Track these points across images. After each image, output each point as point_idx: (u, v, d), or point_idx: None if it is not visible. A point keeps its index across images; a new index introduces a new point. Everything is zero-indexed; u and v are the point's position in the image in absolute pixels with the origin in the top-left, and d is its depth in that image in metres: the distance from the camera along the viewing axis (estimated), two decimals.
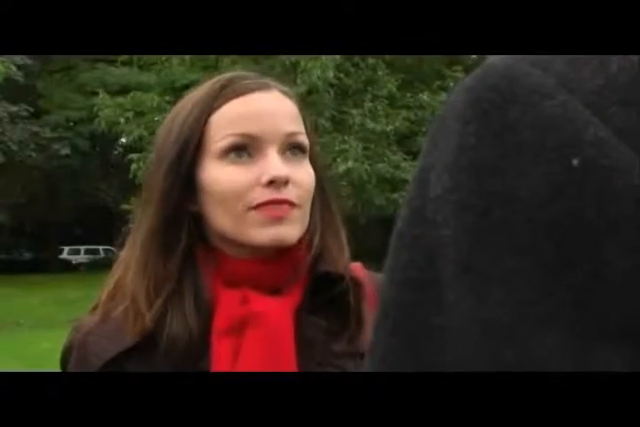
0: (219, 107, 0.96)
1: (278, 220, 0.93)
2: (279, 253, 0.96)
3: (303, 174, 0.97)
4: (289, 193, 0.94)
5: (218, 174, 0.95)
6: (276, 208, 0.93)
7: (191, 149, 0.96)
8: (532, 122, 0.31)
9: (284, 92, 0.99)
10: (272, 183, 0.93)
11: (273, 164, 0.94)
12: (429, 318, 0.33)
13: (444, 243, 0.32)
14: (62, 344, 1.01)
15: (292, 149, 0.97)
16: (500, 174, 0.31)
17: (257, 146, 0.95)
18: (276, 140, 0.95)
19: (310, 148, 1.00)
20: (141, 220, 0.98)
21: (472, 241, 0.31)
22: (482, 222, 0.31)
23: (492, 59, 0.35)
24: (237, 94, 0.96)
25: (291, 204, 0.94)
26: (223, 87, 0.97)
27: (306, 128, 1.00)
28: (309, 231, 0.99)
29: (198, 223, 0.98)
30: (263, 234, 0.93)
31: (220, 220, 0.95)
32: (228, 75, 1.00)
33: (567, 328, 0.29)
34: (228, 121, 0.95)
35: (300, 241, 0.97)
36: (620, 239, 0.29)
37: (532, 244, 0.30)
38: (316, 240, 0.99)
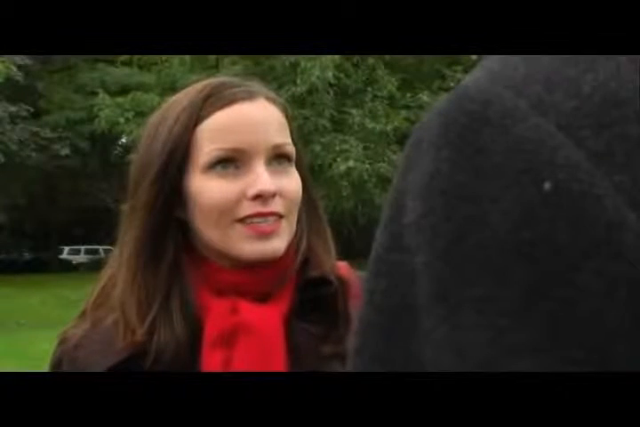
0: (204, 118, 0.94)
1: (264, 235, 0.92)
2: (266, 262, 0.95)
3: (290, 185, 0.96)
4: (275, 206, 0.93)
5: (204, 187, 0.94)
6: (262, 222, 0.92)
7: (177, 160, 0.94)
8: (504, 145, 0.31)
9: (270, 99, 0.98)
10: (259, 197, 0.92)
11: (260, 177, 0.93)
12: (407, 346, 0.32)
13: (418, 270, 0.32)
14: (50, 356, 1.00)
15: (278, 159, 0.96)
16: (472, 199, 0.31)
17: (243, 158, 0.94)
18: (262, 152, 0.94)
19: (296, 154, 0.98)
20: (128, 228, 0.97)
21: (444, 268, 0.31)
22: (454, 248, 0.31)
23: (466, 82, 0.35)
24: (222, 105, 0.94)
25: (277, 215, 0.93)
26: (208, 97, 0.95)
27: (292, 135, 0.99)
28: (296, 237, 0.98)
29: (185, 231, 0.97)
30: (250, 249, 0.92)
31: (207, 231, 0.95)
32: (213, 81, 0.98)
33: (540, 355, 0.29)
34: (213, 134, 0.94)
35: (287, 251, 0.96)
36: (592, 265, 0.28)
37: (504, 270, 0.30)
38: (303, 246, 0.98)
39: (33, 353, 8.70)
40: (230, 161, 0.94)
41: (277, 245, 0.93)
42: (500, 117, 0.31)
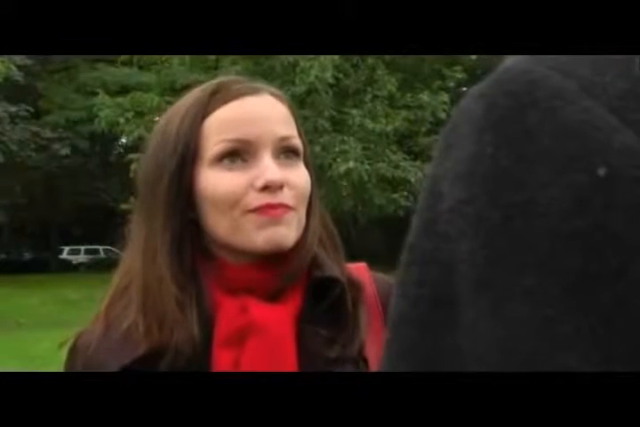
0: (210, 113, 0.95)
1: (274, 219, 0.92)
2: (276, 259, 0.95)
3: (298, 177, 0.96)
4: (284, 197, 0.93)
5: (213, 181, 0.94)
6: (271, 211, 0.93)
7: (189, 160, 0.95)
8: (553, 129, 0.29)
9: (276, 96, 0.99)
10: (267, 188, 0.92)
11: (267, 168, 0.93)
12: (444, 339, 0.31)
13: (459, 258, 0.30)
14: (65, 352, 1.00)
15: (285, 152, 0.96)
16: (518, 185, 0.29)
17: (250, 150, 0.94)
18: (269, 144, 0.95)
19: (304, 151, 0.99)
20: (150, 231, 0.96)
21: (490, 256, 0.29)
22: (500, 236, 0.29)
23: (509, 62, 0.33)
24: (228, 99, 0.95)
25: (286, 207, 0.93)
26: (214, 93, 0.96)
27: (298, 131, 0.99)
28: (306, 235, 0.98)
29: (198, 231, 0.97)
30: (259, 237, 0.93)
31: (217, 225, 0.95)
32: (217, 80, 1.00)
33: (591, 349, 0.27)
34: (220, 127, 0.95)
35: (296, 246, 0.96)
36: None
37: (555, 259, 0.28)
38: (310, 242, 0.98)
39: (33, 353, 8.70)
40: (237, 154, 0.94)
41: (285, 233, 0.93)
42: (547, 99, 0.30)
